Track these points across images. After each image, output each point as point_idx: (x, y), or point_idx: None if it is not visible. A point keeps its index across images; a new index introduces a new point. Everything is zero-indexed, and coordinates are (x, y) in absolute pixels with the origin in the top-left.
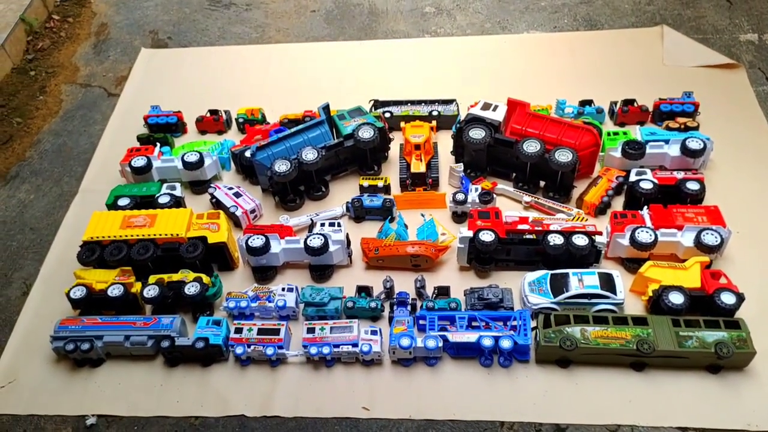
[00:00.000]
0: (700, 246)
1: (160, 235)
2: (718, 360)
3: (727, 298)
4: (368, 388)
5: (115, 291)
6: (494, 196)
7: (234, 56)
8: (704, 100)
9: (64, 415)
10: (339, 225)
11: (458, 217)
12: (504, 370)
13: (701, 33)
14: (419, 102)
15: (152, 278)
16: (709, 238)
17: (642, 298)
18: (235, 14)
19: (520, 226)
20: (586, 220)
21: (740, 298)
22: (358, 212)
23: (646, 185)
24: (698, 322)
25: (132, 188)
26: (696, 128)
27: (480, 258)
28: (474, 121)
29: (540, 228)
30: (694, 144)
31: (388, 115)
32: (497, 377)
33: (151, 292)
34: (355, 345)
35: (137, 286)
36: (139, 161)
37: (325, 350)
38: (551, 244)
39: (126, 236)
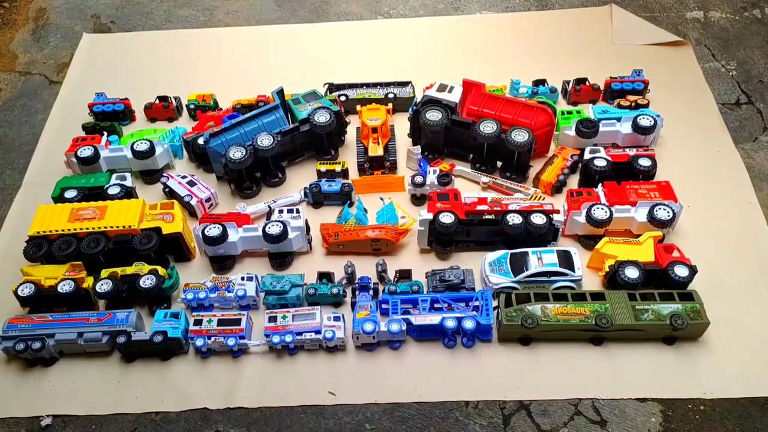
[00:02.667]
0: (653, 221)
1: (112, 227)
2: (673, 332)
3: (681, 271)
4: (333, 375)
5: (65, 287)
6: (453, 177)
7: (182, 41)
8: (653, 77)
9: (17, 417)
10: (298, 211)
11: (417, 200)
12: (467, 350)
13: (649, 11)
14: (375, 85)
15: (105, 272)
16: (662, 213)
17: (599, 274)
18: None
19: (480, 207)
20: (543, 198)
21: (693, 270)
22: (316, 198)
23: (600, 163)
24: (653, 296)
25: (79, 179)
26: (646, 105)
27: (440, 240)
28: (430, 102)
29: (499, 208)
30: (644, 121)
31: (343, 98)
32: (461, 357)
33: (104, 286)
34: (318, 332)
35: (89, 281)
36: (85, 151)
37: (288, 338)
38: (510, 223)
39: (75, 230)
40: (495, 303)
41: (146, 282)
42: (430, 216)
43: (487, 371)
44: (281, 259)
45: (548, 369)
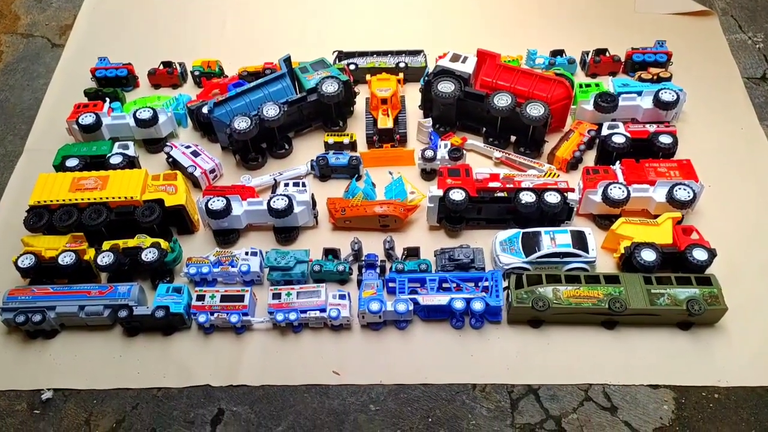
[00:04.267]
0: (672, 201)
1: (113, 198)
2: (689, 317)
3: (699, 255)
4: (337, 354)
5: (66, 259)
6: (464, 152)
7: (189, 4)
8: (677, 48)
9: (18, 389)
10: (304, 185)
11: (427, 175)
12: (476, 331)
13: None
14: (385, 53)
15: (106, 244)
16: (682, 194)
17: (614, 256)
18: None
19: (491, 184)
20: (558, 176)
21: (712, 254)
22: (323, 171)
23: (618, 139)
24: (670, 279)
25: (81, 147)
26: (669, 79)
27: (450, 217)
28: (443, 73)
29: (511, 185)
30: (667, 96)
31: (352, 67)
32: (469, 339)
33: (105, 259)
34: (323, 310)
35: (90, 253)
36: (87, 118)
37: (292, 316)
38: (523, 202)
39: (76, 200)
40: (505, 283)
41: (148, 255)
42: (440, 192)
43: (495, 354)
44: (286, 234)
45: (558, 353)
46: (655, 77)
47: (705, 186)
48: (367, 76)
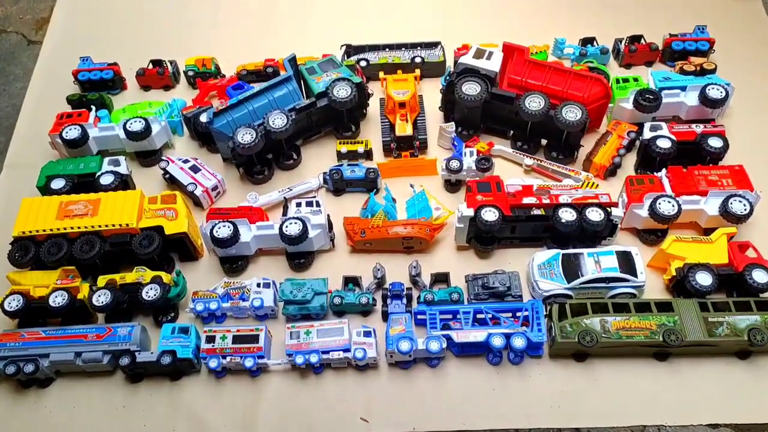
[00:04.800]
0: (727, 215)
1: (107, 226)
2: (750, 347)
3: (760, 276)
4: (364, 397)
5: (58, 299)
6: (493, 161)
7: None
8: (719, 33)
9: None
10: (318, 204)
11: (452, 186)
12: (515, 367)
13: None
14: (399, 46)
15: (102, 280)
16: (738, 206)
17: (664, 278)
18: None
19: (526, 200)
20: (597, 185)
21: None
22: (337, 185)
23: (663, 144)
24: (728, 305)
25: (67, 165)
26: (714, 71)
27: (481, 237)
28: (466, 72)
29: (548, 201)
30: (714, 93)
31: (363, 63)
32: (508, 377)
33: (101, 298)
34: (346, 350)
35: (84, 290)
36: (72, 132)
37: (313, 358)
38: (563, 221)
39: (65, 229)
40: (546, 312)
41: (149, 293)
42: (471, 212)
43: (538, 393)
44: (301, 260)
45: (607, 390)
46: (698, 68)
47: (759, 192)
48: (380, 74)
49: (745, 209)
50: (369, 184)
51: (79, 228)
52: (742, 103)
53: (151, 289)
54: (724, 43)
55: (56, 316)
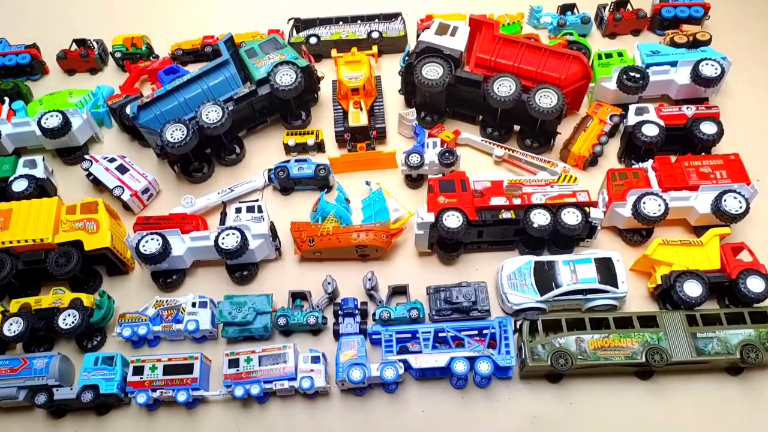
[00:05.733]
0: (719, 214)
1: (18, 242)
2: (743, 364)
3: (754, 285)
4: (314, 428)
5: None
6: (458, 155)
7: None
8: None
9: None
10: (260, 210)
11: (413, 182)
12: (481, 391)
13: None
14: (354, 19)
15: (14, 304)
16: (732, 204)
17: (648, 285)
18: None
19: (494, 200)
20: (575, 179)
21: None
22: (284, 183)
23: (650, 131)
24: (719, 317)
25: None
26: (708, 42)
27: (444, 243)
28: (427, 52)
29: (519, 201)
30: (708, 70)
31: (314, 40)
32: (473, 401)
33: (13, 327)
34: (292, 379)
35: None
36: None
37: (254, 390)
38: (535, 225)
39: None
40: (515, 327)
41: (67, 321)
42: (432, 217)
43: (507, 419)
44: (243, 272)
45: (584, 414)
46: (690, 39)
47: (756, 182)
48: (333, 52)
49: (740, 207)
50: (320, 181)
51: None
52: (740, 78)
53: (69, 315)
54: (721, 6)
55: None
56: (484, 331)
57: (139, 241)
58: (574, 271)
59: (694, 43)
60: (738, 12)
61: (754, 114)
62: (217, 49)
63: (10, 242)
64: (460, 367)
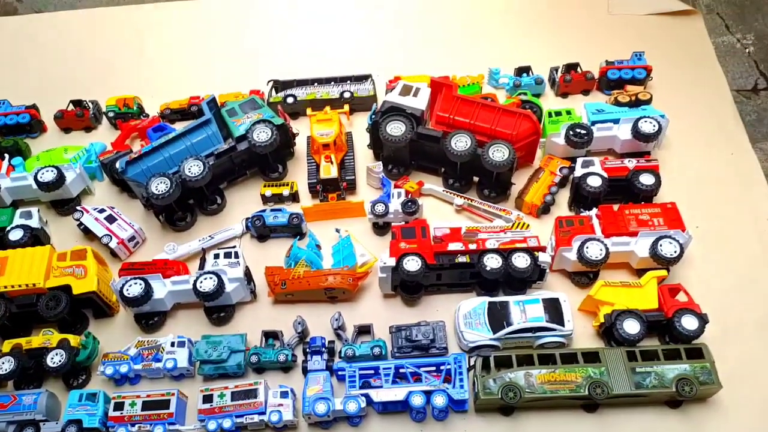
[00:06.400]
0: (656, 258)
1: (13, 286)
2: (678, 397)
3: (689, 323)
4: None
5: None
6: (420, 204)
7: (101, 22)
8: (657, 58)
9: None
10: (236, 256)
11: (380, 229)
12: (439, 424)
13: None
14: (328, 80)
15: (7, 344)
16: (667, 249)
17: (593, 324)
18: None
19: (452, 245)
20: (528, 226)
21: (703, 320)
22: (260, 231)
23: (594, 182)
24: (656, 353)
25: None
26: (649, 101)
27: (406, 285)
28: (392, 111)
29: (474, 246)
30: (647, 127)
31: (291, 99)
32: None
33: (5, 365)
34: (262, 413)
35: None
36: None
37: (226, 424)
38: (488, 268)
39: None
40: (471, 362)
41: (54, 359)
42: (393, 261)
43: None
44: (220, 314)
45: None
46: (633, 98)
47: (693, 227)
48: (308, 110)
49: (675, 252)
50: (293, 229)
51: None
52: (680, 131)
53: (56, 354)
54: (663, 67)
55: None
56: (441, 367)
57: (123, 285)
58: (524, 310)
59: (637, 102)
60: (677, 74)
61: (691, 166)
62: (202, 108)
63: (5, 287)
64: (417, 401)
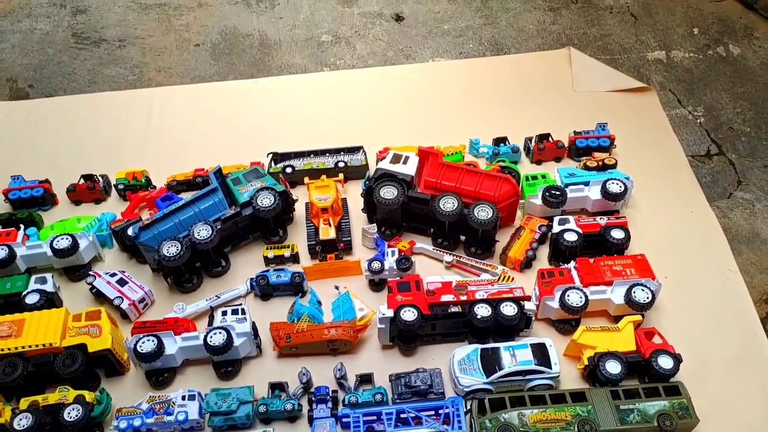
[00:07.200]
0: (631, 304)
1: (30, 347)
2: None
3: (665, 362)
4: None
5: None
6: (413, 261)
7: (109, 105)
8: (619, 127)
9: None
10: (243, 312)
11: (376, 286)
12: None
13: (609, 53)
14: (323, 152)
15: (24, 402)
16: (640, 295)
17: (578, 367)
18: (107, 53)
19: (444, 297)
20: (512, 278)
21: (677, 360)
22: (264, 290)
23: (570, 237)
24: (638, 392)
25: None
26: (614, 166)
27: (403, 336)
28: (384, 177)
29: (465, 297)
30: (614, 187)
31: (289, 170)
32: None
33: (23, 421)
34: None
35: (6, 414)
36: None
37: None
38: (479, 317)
39: None
40: (468, 406)
41: (71, 414)
42: (391, 312)
43: None
44: (228, 368)
45: None
46: (600, 164)
47: (662, 278)
48: (306, 179)
49: (647, 298)
50: (295, 288)
51: (2, 350)
52: (643, 192)
53: (73, 409)
54: (625, 136)
55: None
56: (439, 411)
57: (137, 342)
58: (514, 355)
59: (604, 167)
60: (638, 142)
61: (656, 223)
62: (207, 179)
63: (23, 347)
64: None
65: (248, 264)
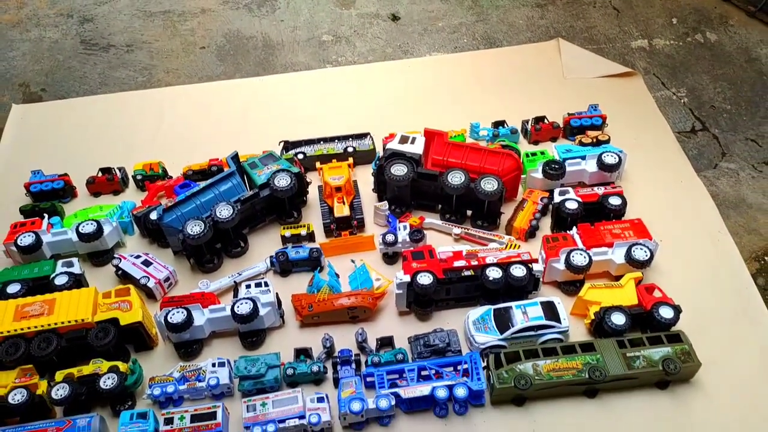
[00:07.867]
0: (631, 262)
1: (63, 323)
2: (666, 376)
3: (666, 313)
4: None
5: (17, 397)
6: (425, 233)
7: (120, 104)
8: (609, 110)
9: None
10: (266, 284)
11: (389, 258)
12: (461, 418)
13: (595, 43)
14: (332, 139)
15: (60, 374)
16: (639, 253)
17: (585, 322)
18: (116, 57)
19: (457, 263)
20: (519, 246)
21: (677, 310)
22: (284, 266)
23: (571, 205)
24: (642, 341)
25: (21, 270)
26: (608, 141)
27: (419, 301)
28: (393, 156)
29: (477, 262)
30: (609, 159)
31: (301, 156)
32: (455, 427)
33: (60, 391)
34: (302, 417)
35: (42, 386)
36: (26, 239)
37: (270, 428)
38: (491, 278)
39: (22, 329)
40: (484, 363)
41: (107, 382)
42: (408, 278)
43: None
44: (253, 338)
45: (546, 429)
46: (594, 140)
47: (657, 240)
48: (317, 164)
49: (646, 255)
50: (313, 263)
51: (36, 327)
52: (635, 166)
53: (108, 378)
54: (616, 116)
55: (15, 415)
56: (458, 366)
57: (167, 314)
58: (525, 312)
59: (598, 143)
60: (627, 122)
61: (648, 192)
62: (221, 168)
63: (56, 324)
64: (441, 393)
65: (266, 245)
